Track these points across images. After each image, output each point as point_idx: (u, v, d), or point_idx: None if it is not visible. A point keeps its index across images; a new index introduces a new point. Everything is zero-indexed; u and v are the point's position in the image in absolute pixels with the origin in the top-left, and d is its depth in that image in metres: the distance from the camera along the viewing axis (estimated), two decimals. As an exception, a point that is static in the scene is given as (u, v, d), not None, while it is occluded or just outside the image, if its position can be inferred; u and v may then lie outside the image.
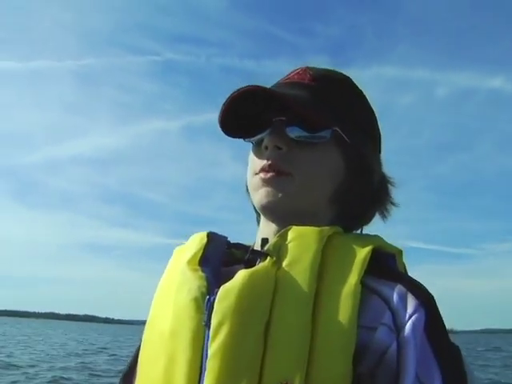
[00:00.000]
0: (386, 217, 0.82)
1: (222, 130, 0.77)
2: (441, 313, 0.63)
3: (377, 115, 0.83)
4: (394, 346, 0.58)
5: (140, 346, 0.74)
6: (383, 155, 0.83)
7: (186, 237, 0.79)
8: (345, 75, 0.82)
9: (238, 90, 0.72)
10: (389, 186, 0.82)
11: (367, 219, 0.82)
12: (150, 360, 0.69)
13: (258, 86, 0.71)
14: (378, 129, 0.84)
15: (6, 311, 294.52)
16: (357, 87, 0.82)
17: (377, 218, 0.82)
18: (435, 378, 0.57)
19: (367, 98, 0.83)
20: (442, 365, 0.58)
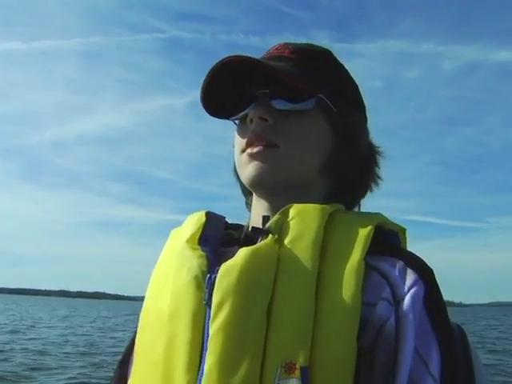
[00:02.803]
0: (372, 189, 0.81)
1: (205, 109, 0.75)
2: (440, 287, 0.62)
3: (360, 89, 0.81)
4: (393, 318, 0.57)
5: (137, 330, 0.71)
6: (371, 129, 0.81)
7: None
8: (325, 48, 0.80)
9: (222, 59, 0.70)
10: (377, 156, 0.81)
11: (362, 192, 0.81)
12: (148, 343, 0.66)
13: (238, 56, 0.69)
14: (362, 100, 0.82)
15: (17, 289, 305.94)
16: (337, 60, 0.80)
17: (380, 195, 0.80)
18: (433, 349, 0.56)
19: (349, 71, 0.81)
20: (441, 337, 0.57)
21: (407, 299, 0.58)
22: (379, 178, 0.81)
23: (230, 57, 0.69)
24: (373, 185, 0.80)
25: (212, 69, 0.71)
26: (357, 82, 0.81)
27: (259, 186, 0.72)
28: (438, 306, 0.60)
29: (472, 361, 0.59)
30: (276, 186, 0.71)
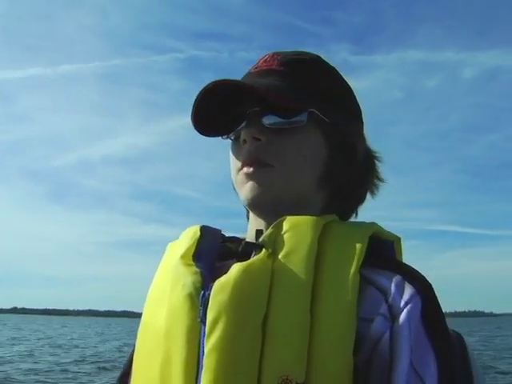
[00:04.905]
0: (374, 193, 0.80)
1: (196, 129, 0.75)
2: (439, 301, 0.60)
3: (354, 91, 0.80)
4: (388, 334, 0.57)
5: (135, 346, 0.72)
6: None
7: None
8: (314, 55, 0.79)
9: (207, 85, 0.70)
10: (375, 161, 0.80)
11: (359, 199, 0.80)
12: (145, 360, 0.67)
13: (227, 80, 0.69)
14: (357, 103, 0.81)
15: (46, 310, 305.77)
16: (328, 65, 0.79)
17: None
18: (431, 365, 0.55)
19: (340, 74, 0.79)
20: (438, 352, 0.56)
21: (403, 314, 0.57)
22: (381, 180, 0.80)
23: (214, 82, 0.69)
24: (374, 189, 0.80)
25: (198, 95, 0.71)
26: (350, 86, 0.80)
27: (256, 206, 0.73)
28: (436, 320, 0.59)
29: (471, 371, 0.59)
30: (273, 206, 0.71)
